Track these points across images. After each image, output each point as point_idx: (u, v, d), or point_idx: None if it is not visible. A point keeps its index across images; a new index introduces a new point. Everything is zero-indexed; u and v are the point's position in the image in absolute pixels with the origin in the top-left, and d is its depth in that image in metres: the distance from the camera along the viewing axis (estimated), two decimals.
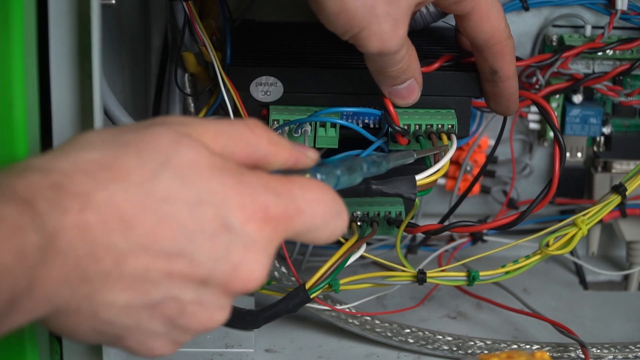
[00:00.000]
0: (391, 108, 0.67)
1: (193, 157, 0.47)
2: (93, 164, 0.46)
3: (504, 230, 0.69)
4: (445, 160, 0.66)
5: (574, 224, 0.70)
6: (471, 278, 0.70)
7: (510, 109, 0.69)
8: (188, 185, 0.47)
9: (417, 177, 0.65)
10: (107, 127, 0.51)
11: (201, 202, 0.47)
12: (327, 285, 0.69)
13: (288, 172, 0.52)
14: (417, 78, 0.66)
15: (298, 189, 0.50)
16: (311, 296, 0.68)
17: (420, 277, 0.70)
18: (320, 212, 0.50)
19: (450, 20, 0.81)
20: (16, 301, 0.43)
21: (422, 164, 0.67)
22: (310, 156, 0.53)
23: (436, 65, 0.69)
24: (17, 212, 0.43)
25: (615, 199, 0.70)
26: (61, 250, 0.44)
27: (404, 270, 0.71)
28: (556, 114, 0.84)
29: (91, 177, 0.45)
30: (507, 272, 0.70)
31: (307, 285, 0.68)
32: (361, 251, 0.70)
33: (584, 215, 0.70)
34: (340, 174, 0.54)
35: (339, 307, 0.75)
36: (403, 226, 0.69)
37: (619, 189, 0.70)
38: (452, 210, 0.77)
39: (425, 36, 0.78)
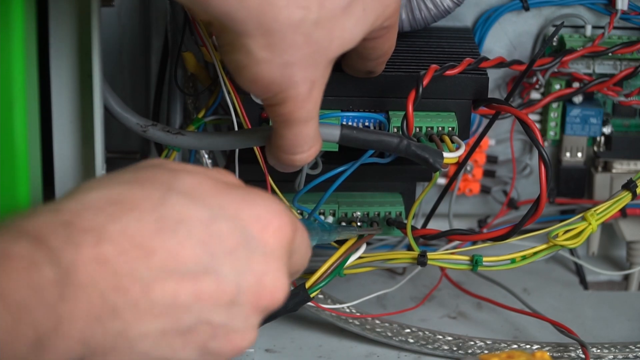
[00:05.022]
0: (410, 113, 0.67)
1: (194, 181, 0.48)
2: (101, 201, 0.46)
3: (497, 241, 0.69)
4: (463, 149, 0.66)
5: (583, 218, 0.69)
6: (474, 262, 0.70)
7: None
8: (198, 203, 0.47)
9: (444, 153, 0.65)
10: (104, 175, 0.52)
11: (215, 218, 0.47)
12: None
13: None
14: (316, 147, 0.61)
15: None
16: (311, 295, 0.68)
17: (421, 260, 0.70)
18: (306, 238, 0.52)
19: (454, 20, 0.81)
20: (44, 342, 0.42)
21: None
22: None
23: (459, 70, 0.69)
24: (29, 249, 0.42)
25: (626, 196, 0.70)
26: (82, 284, 0.43)
27: (405, 253, 0.70)
28: (556, 114, 0.84)
29: (101, 212, 0.45)
30: (512, 261, 0.70)
31: (307, 285, 0.68)
32: (361, 251, 0.70)
33: (594, 210, 0.69)
34: None
35: (339, 307, 0.75)
36: (418, 201, 0.69)
37: (629, 185, 0.70)
38: (434, 209, 0.77)
39: (435, 37, 0.78)
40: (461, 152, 0.66)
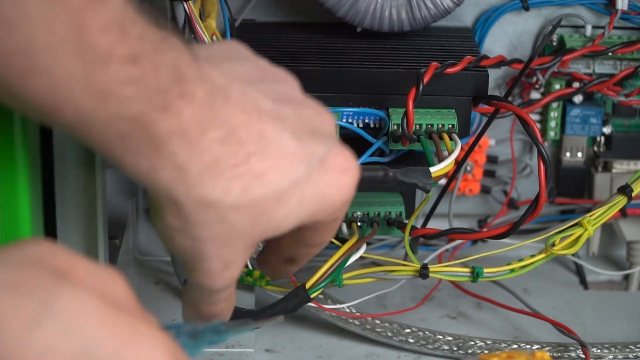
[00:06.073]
0: (410, 110, 0.67)
1: (76, 300, 0.42)
2: None
3: (498, 239, 0.69)
4: (454, 155, 0.66)
5: (579, 224, 0.69)
6: (475, 274, 0.70)
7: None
8: (71, 336, 0.42)
9: (432, 169, 0.65)
10: None
11: (86, 355, 0.41)
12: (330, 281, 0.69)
13: None
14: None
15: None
16: (311, 296, 0.68)
17: (423, 272, 0.70)
18: None
19: (454, 20, 0.81)
20: None
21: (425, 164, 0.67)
22: None
23: (459, 68, 0.69)
24: None
25: (622, 200, 0.70)
26: None
27: (406, 265, 0.70)
28: (556, 114, 0.84)
29: None
30: (511, 270, 0.70)
31: (307, 285, 0.68)
32: (361, 251, 0.70)
33: (590, 216, 0.69)
34: (184, 342, 0.50)
35: (339, 307, 0.75)
36: (412, 218, 0.69)
37: (625, 189, 0.70)
38: (432, 210, 0.77)
39: (435, 36, 0.78)
40: (451, 160, 0.66)
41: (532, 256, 0.70)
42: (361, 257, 0.70)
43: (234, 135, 0.50)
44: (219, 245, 0.52)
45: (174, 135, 0.48)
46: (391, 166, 0.70)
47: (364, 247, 0.70)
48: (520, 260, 0.70)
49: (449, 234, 0.70)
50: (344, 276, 0.70)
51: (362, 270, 0.71)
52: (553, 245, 0.69)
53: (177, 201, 0.50)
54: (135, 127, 0.47)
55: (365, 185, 0.65)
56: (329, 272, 0.69)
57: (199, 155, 0.49)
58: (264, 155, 0.51)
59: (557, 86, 0.82)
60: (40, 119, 0.47)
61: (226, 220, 0.51)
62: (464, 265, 0.71)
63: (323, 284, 0.68)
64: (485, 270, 0.70)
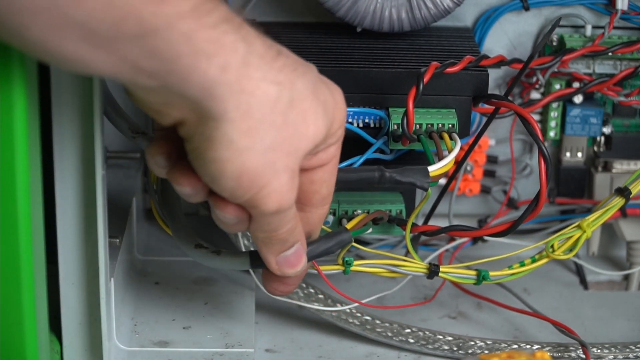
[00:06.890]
0: (410, 110, 0.67)
1: None
2: None
3: (499, 237, 0.69)
4: (453, 154, 0.66)
5: (578, 226, 0.69)
6: (481, 277, 0.70)
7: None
8: None
9: (430, 168, 0.65)
10: None
11: None
12: (339, 264, 0.68)
13: None
14: (303, 242, 0.61)
15: None
16: (353, 238, 0.66)
17: (433, 270, 0.70)
18: None
19: (454, 20, 0.81)
20: None
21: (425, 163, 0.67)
22: None
23: (459, 67, 0.69)
24: None
25: (619, 202, 0.70)
26: None
27: (417, 263, 0.70)
28: (556, 114, 0.84)
29: None
30: (513, 274, 0.70)
31: (349, 226, 0.67)
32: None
33: (588, 218, 0.69)
34: None
35: (339, 307, 0.75)
36: (413, 216, 0.69)
37: (623, 192, 0.70)
38: (433, 209, 0.77)
39: (435, 36, 0.78)
40: (451, 158, 0.66)
41: (534, 260, 0.70)
42: (364, 256, 0.70)
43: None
44: (285, 152, 0.54)
45: (225, 23, 0.51)
46: (391, 166, 0.71)
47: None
48: (522, 264, 0.70)
49: (450, 231, 0.70)
50: (355, 262, 0.69)
51: (372, 260, 0.70)
52: (553, 248, 0.69)
53: (247, 106, 0.51)
54: (195, 23, 0.49)
55: (361, 186, 0.64)
56: (367, 218, 0.68)
57: (256, 43, 0.52)
58: (287, 56, 0.54)
59: (557, 86, 0.82)
60: (95, 42, 0.48)
61: (288, 119, 0.53)
62: (468, 267, 0.71)
63: (362, 230, 0.67)
64: (491, 273, 0.70)
